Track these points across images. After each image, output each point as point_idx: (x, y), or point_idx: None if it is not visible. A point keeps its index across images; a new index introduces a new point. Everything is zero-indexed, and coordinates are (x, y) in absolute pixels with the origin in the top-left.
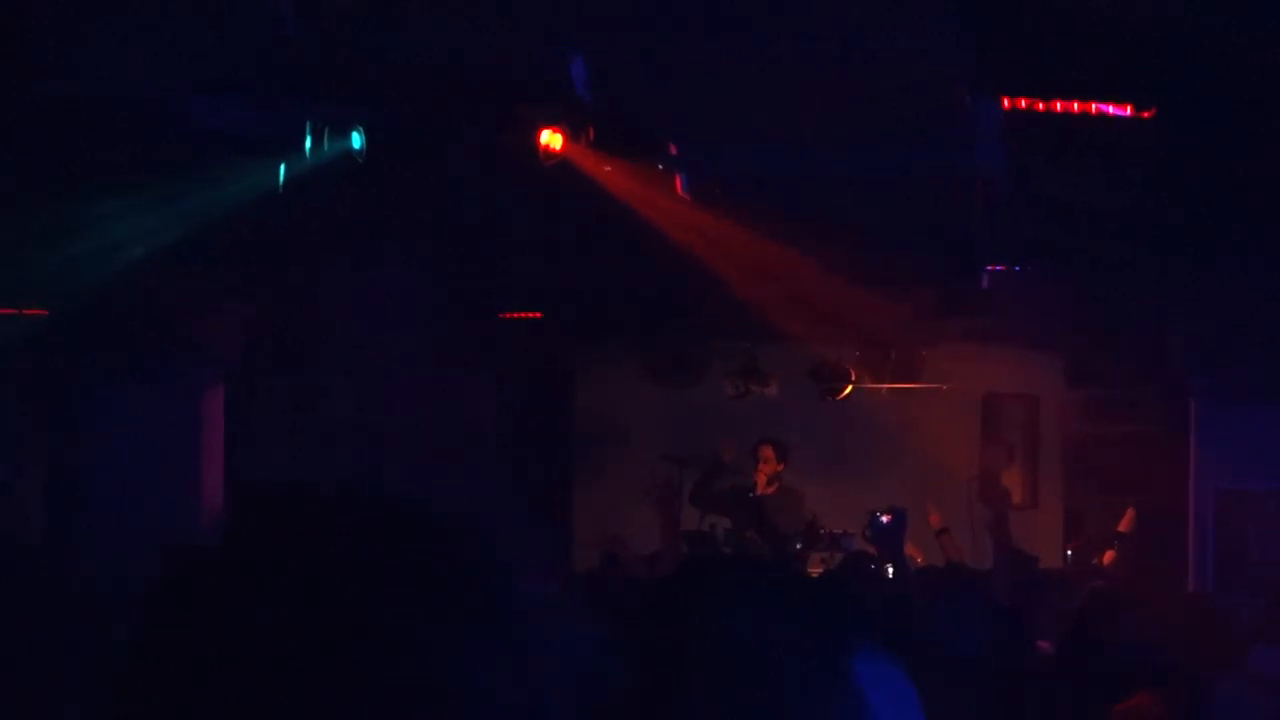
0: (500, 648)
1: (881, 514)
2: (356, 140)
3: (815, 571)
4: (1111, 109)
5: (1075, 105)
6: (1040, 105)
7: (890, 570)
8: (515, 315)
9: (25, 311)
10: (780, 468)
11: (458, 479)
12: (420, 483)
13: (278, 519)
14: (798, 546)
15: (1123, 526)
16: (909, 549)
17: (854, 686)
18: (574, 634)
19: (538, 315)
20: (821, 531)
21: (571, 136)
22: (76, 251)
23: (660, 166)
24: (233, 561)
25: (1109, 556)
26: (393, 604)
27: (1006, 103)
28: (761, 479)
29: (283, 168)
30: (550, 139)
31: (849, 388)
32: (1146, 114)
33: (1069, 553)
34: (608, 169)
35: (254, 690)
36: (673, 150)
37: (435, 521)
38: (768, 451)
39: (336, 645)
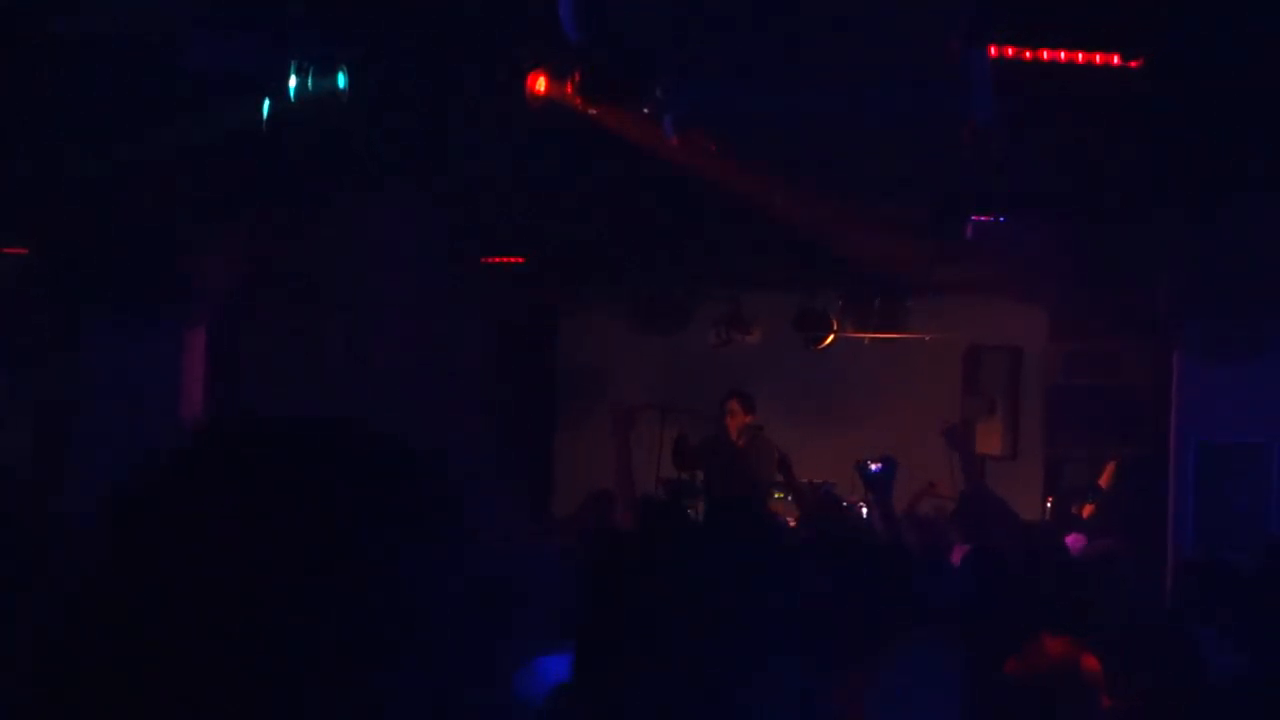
0: (460, 578)
1: (871, 462)
2: (342, 79)
3: (792, 522)
4: (1099, 58)
5: (1063, 54)
6: (1029, 54)
7: (879, 519)
8: (499, 260)
9: (6, 250)
10: (749, 419)
11: (439, 423)
12: (400, 426)
13: (228, 449)
14: (776, 496)
15: (1103, 480)
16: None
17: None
18: (546, 573)
19: (520, 260)
20: (802, 482)
21: (557, 79)
22: (60, 189)
23: (646, 110)
24: (180, 490)
25: (1088, 510)
26: (339, 527)
27: (995, 51)
28: (733, 431)
29: (266, 105)
30: (536, 81)
31: (832, 337)
32: (1134, 64)
33: (1048, 505)
34: (593, 113)
35: (206, 614)
36: (659, 92)
37: (395, 453)
38: (734, 405)
39: (279, 570)
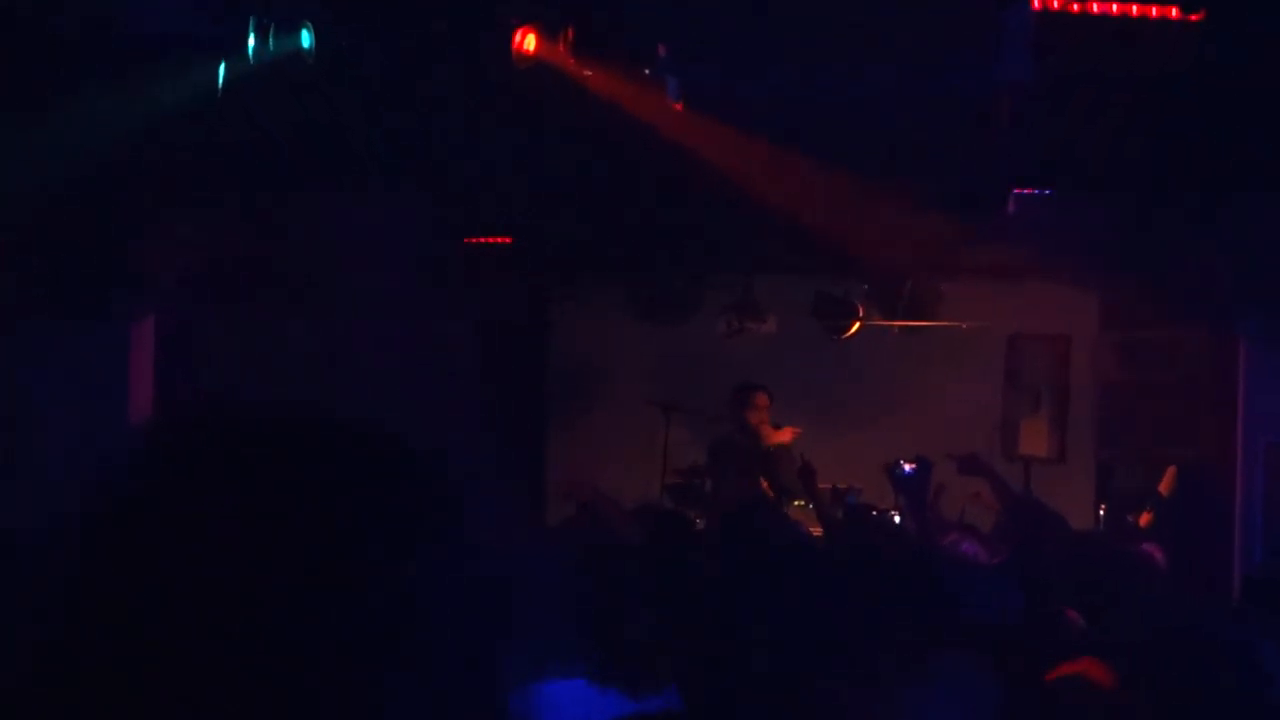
0: (459, 578)
1: (905, 463)
2: (306, 38)
3: (816, 531)
4: (1155, 11)
5: (1114, 6)
6: (1075, 7)
7: (911, 526)
8: (483, 241)
9: None
10: (770, 411)
11: (418, 422)
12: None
13: (220, 445)
14: (796, 504)
15: (1163, 486)
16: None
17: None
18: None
19: (508, 241)
20: (821, 487)
21: (548, 37)
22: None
23: (647, 71)
24: (177, 488)
25: (1146, 519)
26: (336, 527)
27: (1038, 4)
28: (765, 429)
29: (223, 69)
30: (525, 40)
31: (856, 325)
32: (1195, 17)
33: (1101, 513)
34: (588, 74)
35: (202, 615)
36: (662, 52)
37: (394, 452)
38: (763, 399)
39: (276, 569)
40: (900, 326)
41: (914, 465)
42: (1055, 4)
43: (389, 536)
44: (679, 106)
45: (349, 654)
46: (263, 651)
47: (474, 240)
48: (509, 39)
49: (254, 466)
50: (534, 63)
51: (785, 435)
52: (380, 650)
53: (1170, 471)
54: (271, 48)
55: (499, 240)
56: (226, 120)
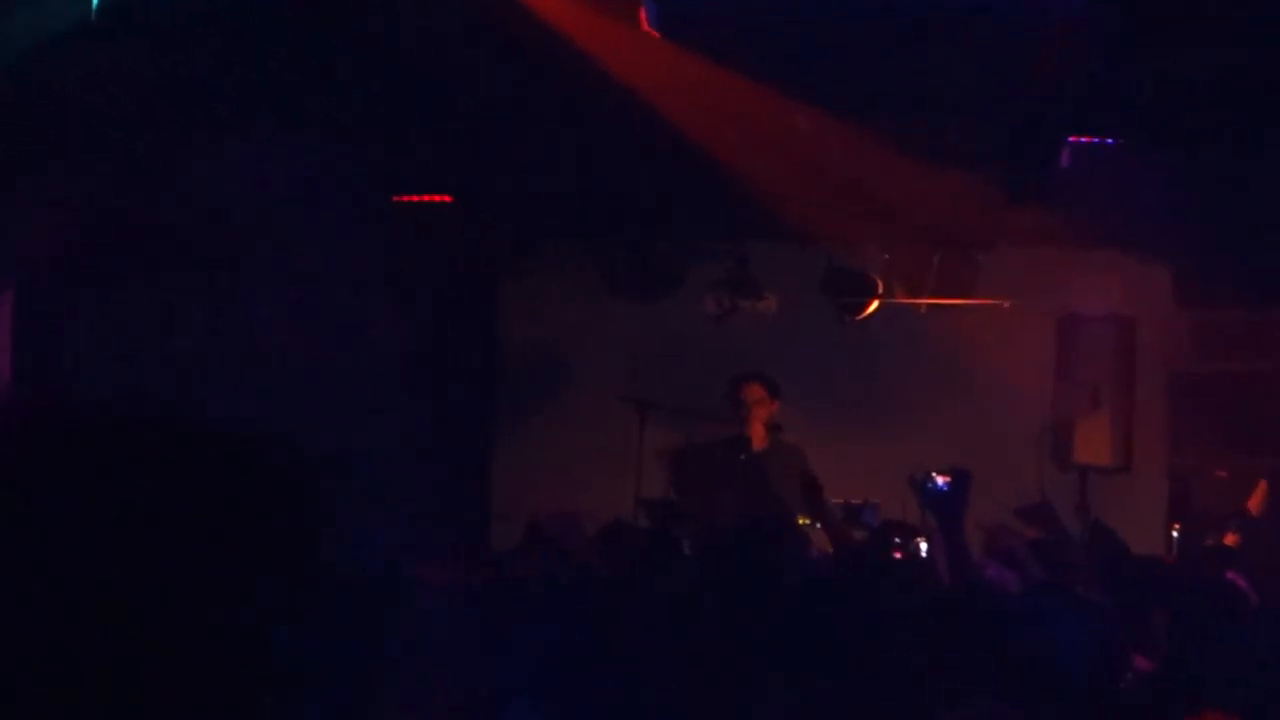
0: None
1: (935, 475)
2: None
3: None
4: None
5: None
6: None
7: (946, 556)
8: (417, 199)
9: None
10: (774, 407)
11: (322, 424)
12: (277, 425)
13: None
14: (801, 521)
15: (1251, 502)
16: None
17: None
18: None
19: (448, 199)
20: (834, 502)
21: None
22: None
23: None
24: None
25: (1230, 540)
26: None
27: None
28: (758, 429)
29: None
30: None
31: (875, 304)
32: None
33: (1175, 535)
34: None
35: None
36: None
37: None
38: (757, 391)
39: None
40: (928, 305)
41: (948, 478)
42: None
43: (228, 561)
44: (657, 35)
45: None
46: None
47: (406, 199)
48: None
49: (83, 471)
50: None
51: (766, 441)
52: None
53: (1261, 486)
54: None
55: (436, 199)
56: (98, 60)
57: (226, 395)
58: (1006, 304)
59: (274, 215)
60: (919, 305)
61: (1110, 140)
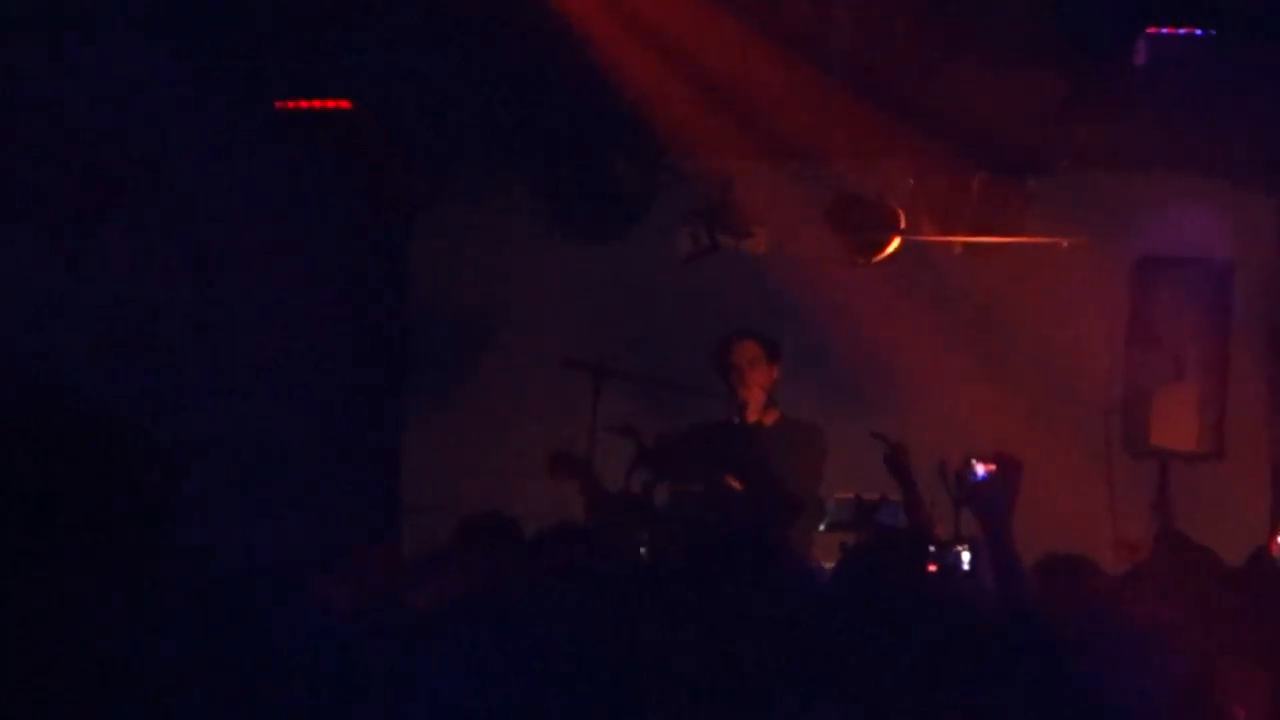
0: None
1: (976, 463)
2: None
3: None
4: None
5: None
6: None
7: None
8: (305, 105)
9: None
10: (774, 373)
11: (205, 404)
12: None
13: None
14: (820, 528)
15: None
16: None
17: None
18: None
19: (344, 105)
20: (839, 497)
21: None
22: None
23: None
24: None
25: None
26: None
27: None
28: (755, 399)
29: None
30: None
31: (895, 242)
32: None
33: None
34: None
35: None
36: None
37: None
38: (751, 349)
39: None
40: (964, 245)
41: (991, 467)
42: None
43: (68, 563)
44: None
45: None
46: None
47: (290, 105)
48: None
49: None
50: None
51: (769, 414)
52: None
53: None
54: None
55: (330, 104)
56: None
57: (72, 370)
58: (1064, 243)
59: (122, 130)
60: (952, 244)
61: (1199, 32)
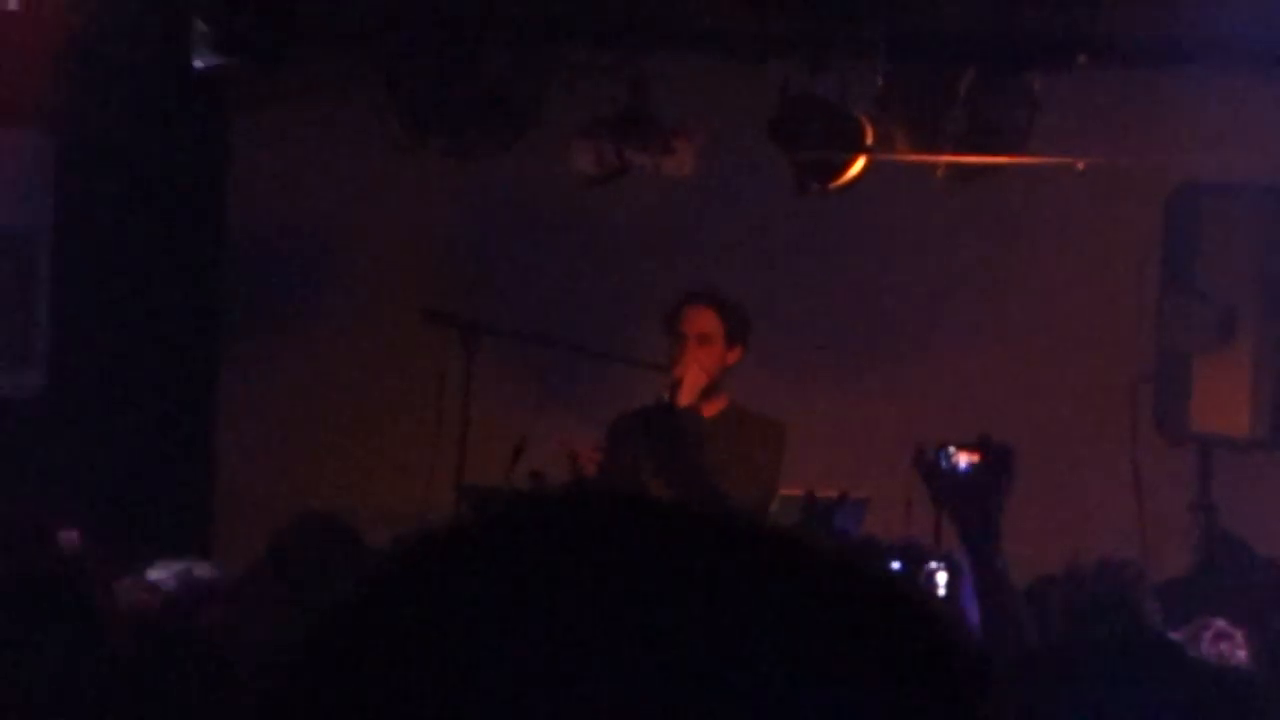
0: None
1: (958, 451)
2: None
3: None
4: None
5: None
6: None
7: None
8: None
9: None
10: (731, 356)
11: None
12: None
13: None
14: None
15: None
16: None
17: None
18: None
19: None
20: (786, 494)
21: None
22: None
23: None
24: None
25: None
26: None
27: None
28: (692, 377)
29: None
30: None
31: (861, 162)
32: None
33: None
34: None
35: None
36: None
37: None
38: (706, 319)
39: None
40: (948, 166)
41: (974, 456)
42: None
43: None
44: None
45: None
46: None
47: None
48: None
49: None
50: None
51: (715, 400)
52: None
53: None
54: None
55: None
56: None
57: None
58: (1080, 165)
59: None
60: (935, 165)
61: None
